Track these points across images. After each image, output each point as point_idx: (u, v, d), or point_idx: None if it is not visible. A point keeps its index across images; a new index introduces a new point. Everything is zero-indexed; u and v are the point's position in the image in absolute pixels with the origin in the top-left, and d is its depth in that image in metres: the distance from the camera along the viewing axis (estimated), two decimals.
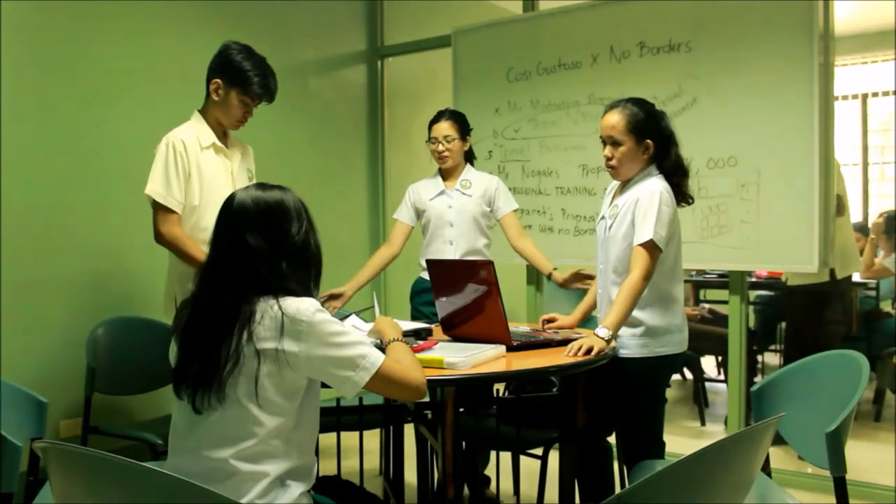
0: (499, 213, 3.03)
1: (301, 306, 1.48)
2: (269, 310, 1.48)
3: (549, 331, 2.46)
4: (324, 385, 1.60)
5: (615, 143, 2.28)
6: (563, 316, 2.57)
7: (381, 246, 3.24)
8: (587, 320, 2.61)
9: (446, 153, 2.97)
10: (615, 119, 2.27)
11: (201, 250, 2.47)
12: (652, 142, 2.28)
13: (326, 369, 1.51)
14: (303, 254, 1.58)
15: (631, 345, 2.28)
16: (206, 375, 1.46)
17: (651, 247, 2.18)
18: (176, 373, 1.53)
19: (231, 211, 1.57)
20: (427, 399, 2.61)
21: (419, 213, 3.08)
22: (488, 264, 2.13)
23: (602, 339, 2.10)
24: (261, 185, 1.61)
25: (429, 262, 2.46)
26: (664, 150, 2.32)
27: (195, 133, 2.58)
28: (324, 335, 1.48)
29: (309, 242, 1.60)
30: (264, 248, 1.52)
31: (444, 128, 2.97)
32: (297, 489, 1.52)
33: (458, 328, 2.28)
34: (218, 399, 1.46)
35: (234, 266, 1.53)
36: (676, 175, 2.33)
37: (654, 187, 2.24)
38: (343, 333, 1.51)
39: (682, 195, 2.34)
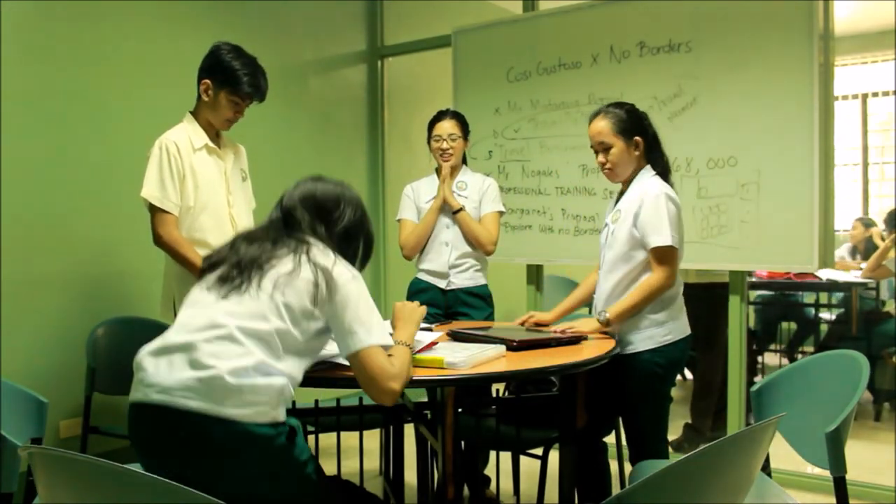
0: (480, 212, 3.04)
1: (345, 271, 1.65)
2: (318, 255, 1.65)
3: (555, 330, 2.43)
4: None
5: (606, 148, 2.33)
6: (541, 313, 2.62)
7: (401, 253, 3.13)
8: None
9: (451, 151, 2.98)
10: (601, 125, 2.33)
11: (198, 253, 2.47)
12: (641, 139, 2.33)
13: (335, 325, 1.64)
14: (353, 236, 1.79)
15: (636, 340, 2.30)
16: (250, 262, 1.62)
17: (670, 250, 2.23)
18: (210, 262, 1.70)
19: (282, 205, 1.78)
20: (427, 399, 2.62)
21: (418, 213, 3.08)
22: None
23: (598, 322, 2.21)
24: (316, 178, 1.83)
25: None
26: (652, 147, 2.36)
27: (188, 135, 2.57)
28: (349, 303, 1.62)
29: (360, 229, 1.81)
30: (315, 225, 1.74)
31: (449, 126, 2.99)
32: (278, 380, 1.54)
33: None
34: (250, 283, 1.59)
35: (280, 234, 1.72)
36: (663, 173, 2.38)
37: (656, 189, 2.27)
38: (368, 309, 1.65)
39: None
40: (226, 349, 1.50)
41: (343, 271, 1.65)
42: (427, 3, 4.95)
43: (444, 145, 2.98)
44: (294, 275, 1.60)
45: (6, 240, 2.96)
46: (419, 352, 1.92)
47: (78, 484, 1.22)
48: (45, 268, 3.10)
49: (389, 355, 1.66)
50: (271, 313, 1.56)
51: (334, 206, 1.78)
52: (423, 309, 1.97)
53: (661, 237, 2.22)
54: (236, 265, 1.63)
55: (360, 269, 1.80)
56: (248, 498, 1.49)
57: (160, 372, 1.51)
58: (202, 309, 1.59)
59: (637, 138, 2.32)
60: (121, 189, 3.24)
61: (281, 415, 1.54)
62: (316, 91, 4.43)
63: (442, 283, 3.02)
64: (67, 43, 3.18)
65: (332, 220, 1.77)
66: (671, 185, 2.37)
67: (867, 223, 5.49)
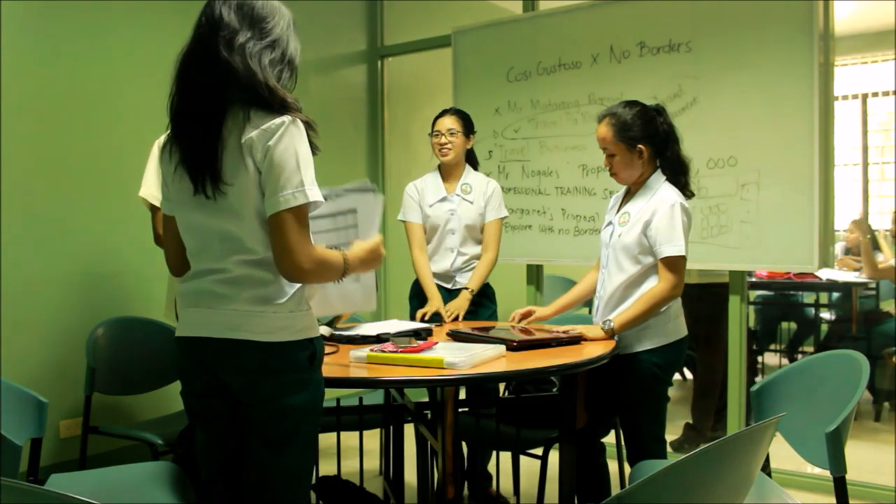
0: (485, 218, 3.03)
1: (272, 127, 1.53)
2: (251, 121, 1.52)
3: (559, 331, 2.41)
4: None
5: (611, 154, 2.34)
6: (540, 308, 2.61)
7: (415, 255, 3.05)
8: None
9: (448, 145, 2.97)
10: (603, 131, 2.33)
11: None
12: (645, 146, 2.30)
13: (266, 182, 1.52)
14: (278, 45, 1.60)
15: (635, 340, 2.31)
16: (203, 158, 1.53)
17: (681, 260, 2.24)
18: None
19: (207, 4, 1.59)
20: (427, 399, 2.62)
21: (423, 216, 3.06)
22: None
23: (602, 330, 2.21)
24: None
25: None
26: (662, 149, 2.34)
27: None
28: (275, 164, 1.50)
29: (286, 39, 1.62)
30: (236, 26, 1.54)
31: (449, 121, 2.99)
32: (290, 303, 1.55)
33: None
34: (216, 184, 1.51)
35: (208, 50, 1.54)
36: (677, 171, 2.36)
37: (671, 199, 2.27)
38: (294, 170, 1.52)
39: (682, 189, 2.38)
40: (239, 282, 1.54)
41: (281, 141, 1.54)
42: (427, 3, 4.95)
43: (443, 140, 2.98)
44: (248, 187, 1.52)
45: (6, 240, 2.96)
46: (419, 351, 1.92)
47: None
48: (45, 268, 3.10)
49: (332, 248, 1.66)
50: (255, 239, 1.54)
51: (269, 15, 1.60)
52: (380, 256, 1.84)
53: (675, 247, 2.23)
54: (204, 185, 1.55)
55: (294, 84, 1.68)
56: (272, 412, 1.55)
57: (187, 311, 1.60)
58: (204, 238, 1.58)
59: (640, 146, 2.29)
60: (121, 189, 3.24)
61: (306, 332, 1.57)
62: (316, 91, 4.43)
63: (447, 284, 3.02)
64: (67, 43, 3.18)
65: (265, 33, 1.59)
66: (685, 185, 2.37)
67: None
